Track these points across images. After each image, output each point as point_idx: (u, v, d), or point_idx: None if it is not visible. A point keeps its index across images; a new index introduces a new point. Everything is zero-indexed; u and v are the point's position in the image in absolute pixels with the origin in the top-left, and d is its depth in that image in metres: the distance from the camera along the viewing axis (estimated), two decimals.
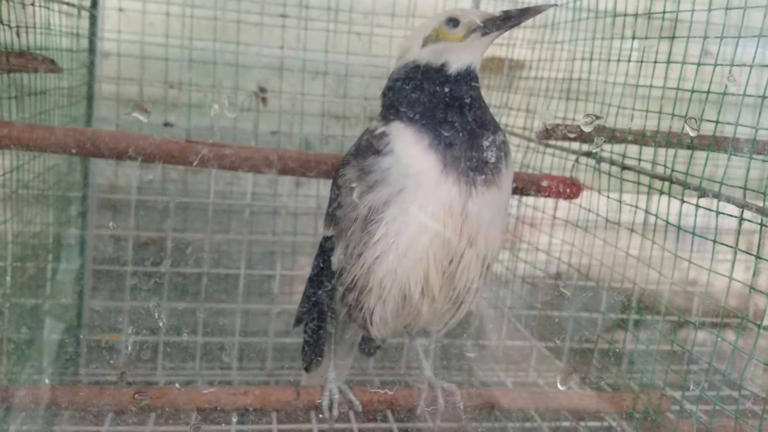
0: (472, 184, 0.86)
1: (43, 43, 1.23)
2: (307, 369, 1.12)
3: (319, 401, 0.98)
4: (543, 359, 1.60)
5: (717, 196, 0.86)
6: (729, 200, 0.86)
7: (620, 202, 1.06)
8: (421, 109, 0.88)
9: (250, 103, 1.53)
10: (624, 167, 1.05)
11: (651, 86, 1.19)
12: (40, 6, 1.18)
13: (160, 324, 1.50)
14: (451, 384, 1.00)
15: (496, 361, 1.60)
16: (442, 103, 0.88)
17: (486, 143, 0.88)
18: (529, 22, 1.60)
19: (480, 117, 0.89)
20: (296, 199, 1.59)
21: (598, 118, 1.07)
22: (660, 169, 0.99)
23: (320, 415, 0.97)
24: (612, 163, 1.07)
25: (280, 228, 1.57)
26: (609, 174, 1.09)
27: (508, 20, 0.91)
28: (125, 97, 1.50)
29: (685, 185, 0.92)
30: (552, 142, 1.26)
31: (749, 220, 0.84)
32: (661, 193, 0.96)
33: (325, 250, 0.97)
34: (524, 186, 1.09)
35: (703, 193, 0.88)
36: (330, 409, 0.96)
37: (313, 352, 1.09)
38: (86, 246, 1.52)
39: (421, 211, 0.85)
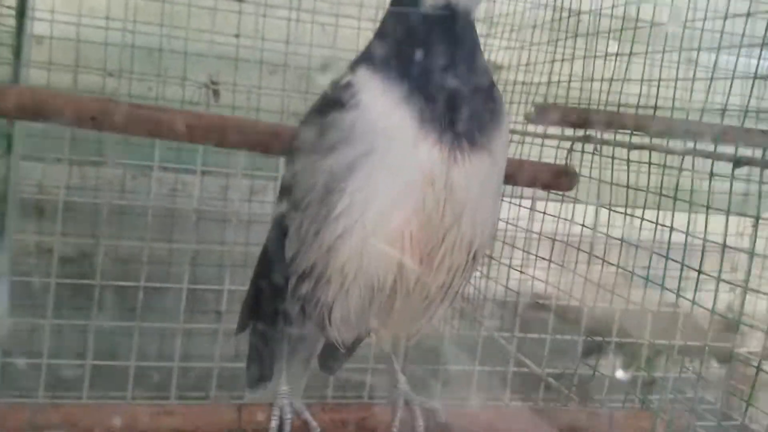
0: (457, 147, 0.69)
1: None
2: (251, 386, 0.94)
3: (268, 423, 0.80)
4: (519, 385, 1.45)
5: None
6: None
7: (626, 191, 0.93)
8: (395, 49, 0.72)
9: (200, 97, 1.38)
10: (632, 147, 0.92)
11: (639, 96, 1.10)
12: None
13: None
14: (432, 401, 0.83)
15: (467, 388, 1.43)
16: (423, 40, 0.72)
17: (477, 97, 0.71)
18: (508, 21, 1.51)
19: (472, 63, 0.73)
20: (249, 205, 1.42)
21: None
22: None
23: None
24: (616, 144, 0.93)
25: (230, 237, 1.40)
26: (612, 158, 0.95)
27: None
28: (57, 85, 1.33)
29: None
30: (540, 130, 1.13)
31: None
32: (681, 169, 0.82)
33: (276, 232, 0.80)
34: (512, 173, 0.94)
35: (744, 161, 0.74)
36: None
37: (260, 366, 0.90)
38: (4, 254, 1.32)
39: (395, 179, 0.69)
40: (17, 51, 1.28)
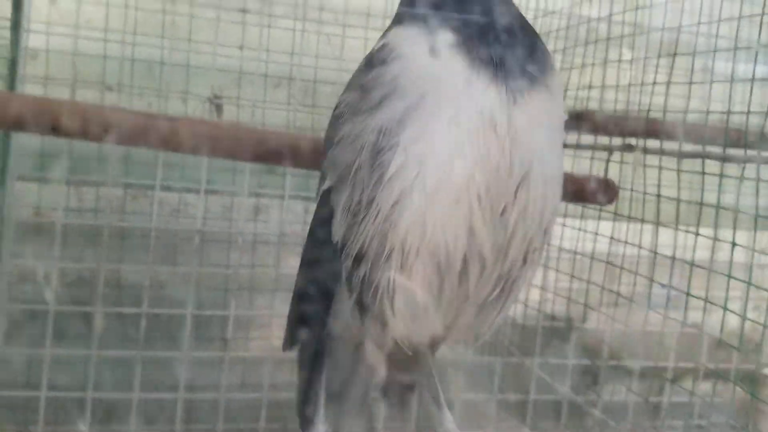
0: (515, 85, 0.62)
1: None
2: (304, 426, 0.80)
3: None
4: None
5: None
6: None
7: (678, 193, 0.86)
8: (427, 4, 0.66)
9: (202, 112, 1.32)
10: (683, 155, 0.84)
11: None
12: None
13: None
14: None
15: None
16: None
17: (523, 35, 0.65)
18: None
19: (513, 16, 0.67)
20: (255, 225, 1.35)
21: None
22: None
23: None
24: (663, 153, 0.86)
25: (235, 259, 1.33)
26: (660, 168, 0.88)
27: None
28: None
29: None
30: (571, 140, 1.06)
31: None
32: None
33: (321, 214, 0.71)
34: None
35: None
36: None
37: (315, 391, 0.77)
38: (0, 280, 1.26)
39: (452, 126, 0.61)
40: (12, 65, 1.23)
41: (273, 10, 1.31)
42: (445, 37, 0.63)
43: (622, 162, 0.98)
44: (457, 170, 0.61)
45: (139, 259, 1.30)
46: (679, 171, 0.86)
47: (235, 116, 1.32)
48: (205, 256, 1.34)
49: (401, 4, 0.72)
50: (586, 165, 1.08)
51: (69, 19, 1.25)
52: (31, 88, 1.26)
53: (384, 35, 0.69)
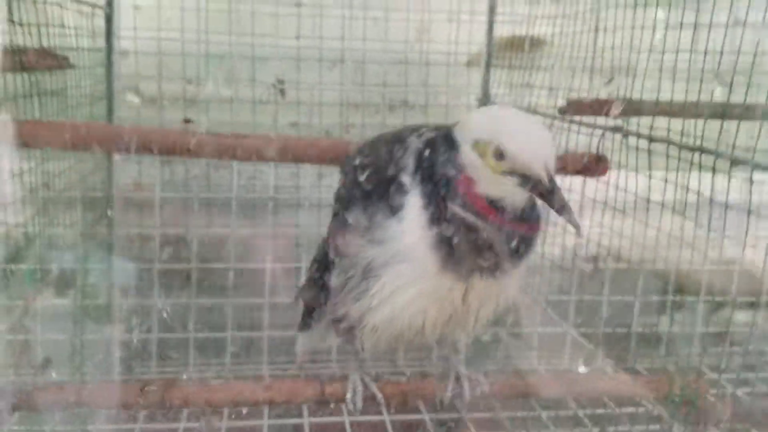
0: (475, 278, 0.82)
1: (58, 43, 1.23)
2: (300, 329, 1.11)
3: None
4: (577, 345, 1.56)
5: (752, 165, 0.81)
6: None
7: (649, 177, 1.02)
8: (446, 196, 0.79)
9: (268, 96, 1.52)
10: (652, 139, 1.01)
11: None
12: (52, 4, 1.18)
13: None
14: (477, 373, 0.98)
15: (529, 349, 1.56)
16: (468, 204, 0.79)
17: (509, 245, 0.80)
18: None
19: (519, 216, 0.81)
20: (319, 190, 1.56)
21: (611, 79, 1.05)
22: (689, 142, 0.95)
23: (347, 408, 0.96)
24: (639, 135, 1.03)
25: (303, 221, 1.56)
26: (637, 148, 1.04)
27: (551, 200, 0.76)
28: (144, 94, 1.50)
29: (717, 154, 0.88)
30: (576, 118, 1.22)
31: None
32: (692, 165, 0.92)
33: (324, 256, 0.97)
34: None
35: (735, 160, 0.83)
36: (354, 402, 0.95)
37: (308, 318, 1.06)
38: (114, 245, 1.52)
39: (417, 288, 0.83)
40: (109, 65, 1.45)
41: (324, 1, 1.48)
42: (437, 236, 0.80)
43: (613, 140, 1.11)
44: (418, 305, 0.85)
45: (224, 222, 1.54)
46: (650, 152, 1.01)
47: (296, 98, 1.51)
48: (278, 217, 1.56)
49: (432, 172, 0.81)
50: (587, 141, 1.23)
51: (152, 23, 1.45)
52: (125, 84, 1.48)
53: (415, 175, 0.82)
